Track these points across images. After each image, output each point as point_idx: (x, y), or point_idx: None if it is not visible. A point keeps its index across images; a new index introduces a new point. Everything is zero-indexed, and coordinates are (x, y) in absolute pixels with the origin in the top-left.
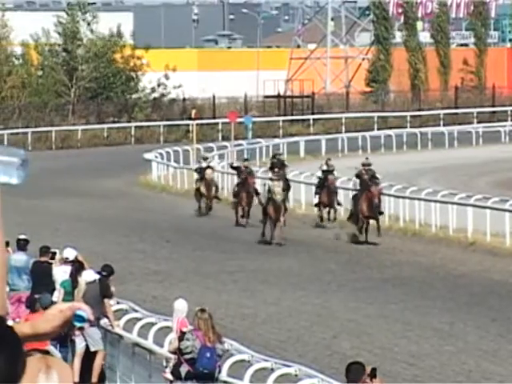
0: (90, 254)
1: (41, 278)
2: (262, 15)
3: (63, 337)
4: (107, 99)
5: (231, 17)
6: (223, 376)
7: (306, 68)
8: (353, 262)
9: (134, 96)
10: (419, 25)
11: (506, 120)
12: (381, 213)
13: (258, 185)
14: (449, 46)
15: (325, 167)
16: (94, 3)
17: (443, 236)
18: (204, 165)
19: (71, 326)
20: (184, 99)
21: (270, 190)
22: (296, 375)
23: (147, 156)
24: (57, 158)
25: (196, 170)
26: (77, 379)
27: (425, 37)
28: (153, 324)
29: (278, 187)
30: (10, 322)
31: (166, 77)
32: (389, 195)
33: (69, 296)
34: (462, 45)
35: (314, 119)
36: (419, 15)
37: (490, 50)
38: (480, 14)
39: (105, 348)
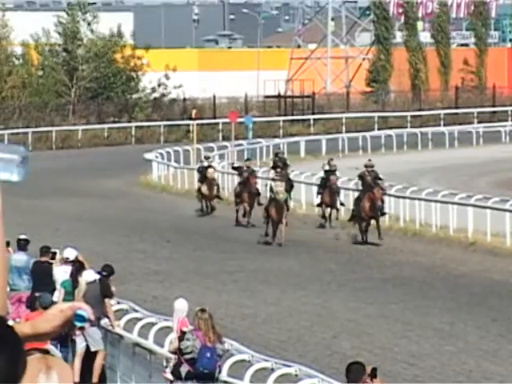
0: (90, 254)
1: (41, 277)
2: (263, 15)
3: (64, 337)
4: (107, 99)
5: (231, 17)
6: (223, 376)
7: (307, 68)
8: (353, 262)
9: (134, 96)
10: (420, 25)
11: (506, 120)
12: (383, 214)
13: (260, 185)
14: (449, 45)
15: (327, 167)
16: (95, 3)
17: (443, 236)
18: (206, 164)
19: (72, 326)
20: (184, 99)
21: (272, 190)
22: (296, 375)
23: (148, 156)
24: (57, 158)
25: (198, 170)
26: (77, 379)
27: (425, 37)
28: (153, 324)
29: (280, 187)
30: (10, 322)
31: (167, 77)
32: (389, 195)
33: (69, 296)
34: (462, 45)
35: (314, 119)
36: (420, 15)
37: (490, 49)
38: (480, 14)
39: (105, 348)
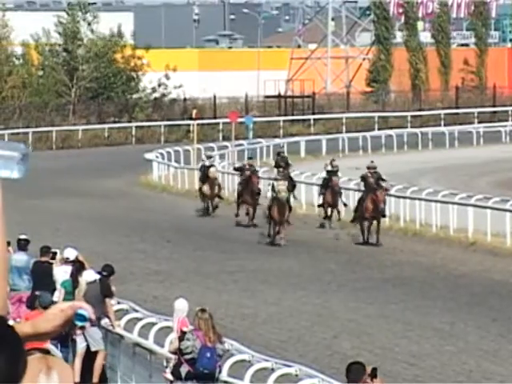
0: (90, 254)
1: (41, 277)
2: (263, 15)
3: (64, 336)
4: (108, 99)
5: (232, 17)
6: (224, 376)
7: (307, 68)
8: (353, 261)
9: (134, 96)
10: (420, 25)
11: (506, 120)
12: (384, 216)
13: (261, 185)
14: (449, 45)
15: (329, 168)
16: (95, 3)
17: (444, 236)
18: (207, 163)
19: (72, 326)
20: (185, 99)
21: (274, 189)
22: (296, 375)
23: (148, 156)
24: (57, 158)
25: (200, 169)
26: (77, 379)
27: (425, 37)
28: (153, 324)
29: (282, 185)
30: (10, 322)
31: (167, 77)
32: (389, 195)
33: (69, 296)
34: (462, 45)
35: (314, 119)
36: (420, 15)
37: (490, 49)
38: (481, 14)
39: (105, 348)
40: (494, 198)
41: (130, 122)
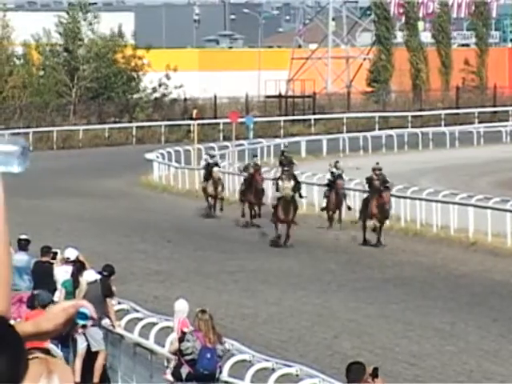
0: (91, 254)
1: (42, 278)
2: (263, 15)
3: (64, 336)
4: (108, 99)
5: (232, 17)
6: (224, 376)
7: (308, 68)
8: (353, 261)
9: (135, 96)
10: (420, 25)
11: (507, 120)
12: (387, 217)
13: (264, 184)
14: (450, 46)
15: (334, 169)
16: (95, 3)
17: (444, 236)
18: (211, 161)
19: (73, 325)
20: (185, 99)
21: (278, 189)
22: (297, 375)
23: (148, 156)
24: (58, 158)
25: (204, 168)
26: (78, 379)
27: (426, 37)
28: (154, 324)
29: (287, 184)
30: (11, 322)
31: (167, 77)
32: (390, 195)
33: (70, 296)
34: (463, 45)
35: (315, 119)
36: (420, 15)
37: (491, 50)
38: (481, 14)
39: (106, 348)
40: (494, 198)
41: (130, 122)
